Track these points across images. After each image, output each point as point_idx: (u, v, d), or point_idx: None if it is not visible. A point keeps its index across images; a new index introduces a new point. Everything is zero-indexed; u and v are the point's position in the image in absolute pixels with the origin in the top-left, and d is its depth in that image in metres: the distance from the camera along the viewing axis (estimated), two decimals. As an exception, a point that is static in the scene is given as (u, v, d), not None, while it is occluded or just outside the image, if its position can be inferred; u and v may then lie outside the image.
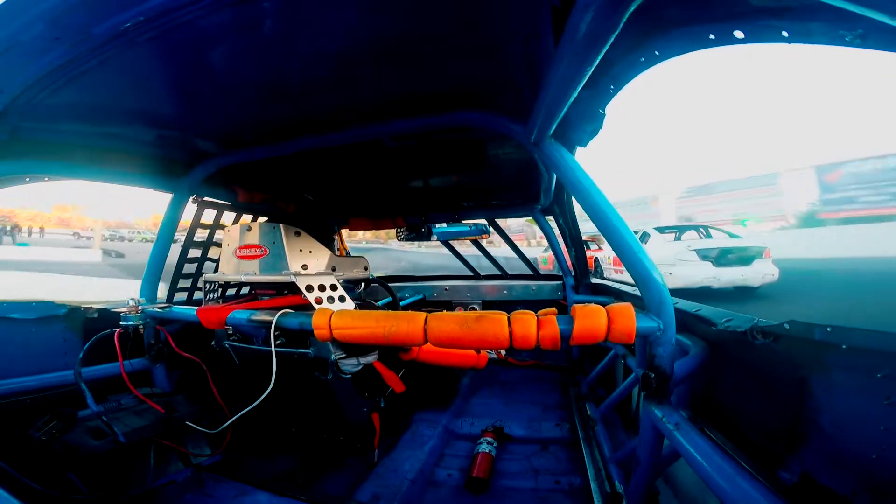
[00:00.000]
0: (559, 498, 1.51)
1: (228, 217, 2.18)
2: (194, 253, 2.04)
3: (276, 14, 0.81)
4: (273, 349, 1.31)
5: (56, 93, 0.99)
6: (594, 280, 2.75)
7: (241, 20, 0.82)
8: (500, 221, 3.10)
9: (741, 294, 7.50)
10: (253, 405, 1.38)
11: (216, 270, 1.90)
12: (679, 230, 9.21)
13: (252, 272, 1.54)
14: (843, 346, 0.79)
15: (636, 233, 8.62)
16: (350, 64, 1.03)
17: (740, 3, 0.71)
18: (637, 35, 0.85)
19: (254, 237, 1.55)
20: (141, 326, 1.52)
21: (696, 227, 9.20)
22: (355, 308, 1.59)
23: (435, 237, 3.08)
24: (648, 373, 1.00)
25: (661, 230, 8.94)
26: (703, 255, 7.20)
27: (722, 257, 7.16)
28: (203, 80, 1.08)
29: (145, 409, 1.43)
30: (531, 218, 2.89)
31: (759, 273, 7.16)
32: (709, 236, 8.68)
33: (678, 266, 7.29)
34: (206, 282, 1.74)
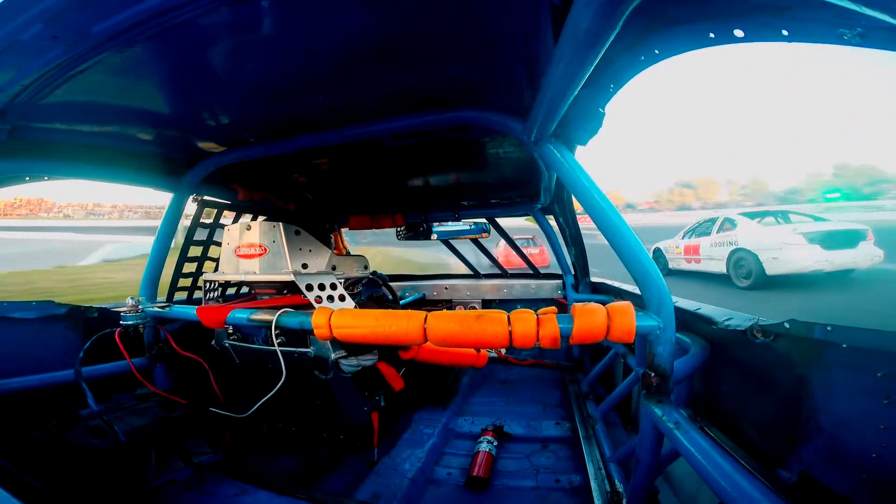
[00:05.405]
0: (559, 496, 1.51)
1: (229, 217, 2.18)
2: (194, 252, 2.05)
3: (275, 13, 0.81)
4: (277, 348, 1.31)
5: (55, 92, 0.99)
6: (593, 280, 2.76)
7: (240, 19, 0.82)
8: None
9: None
10: (259, 403, 1.38)
11: (216, 270, 1.90)
12: (762, 216, 8.78)
13: (252, 271, 1.54)
14: (844, 346, 0.79)
15: (709, 221, 8.74)
16: (349, 62, 1.03)
17: (740, 2, 0.71)
18: (637, 33, 0.84)
19: (254, 236, 1.55)
20: (141, 326, 1.52)
21: (773, 213, 8.79)
22: (355, 307, 1.59)
23: (435, 236, 3.09)
24: (648, 372, 1.00)
25: (748, 217, 8.58)
26: (811, 238, 6.95)
27: (829, 240, 6.93)
28: (202, 79, 1.08)
29: (146, 408, 1.43)
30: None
31: (868, 255, 6.99)
32: (788, 221, 8.22)
33: (785, 250, 6.94)
34: (206, 281, 1.74)
